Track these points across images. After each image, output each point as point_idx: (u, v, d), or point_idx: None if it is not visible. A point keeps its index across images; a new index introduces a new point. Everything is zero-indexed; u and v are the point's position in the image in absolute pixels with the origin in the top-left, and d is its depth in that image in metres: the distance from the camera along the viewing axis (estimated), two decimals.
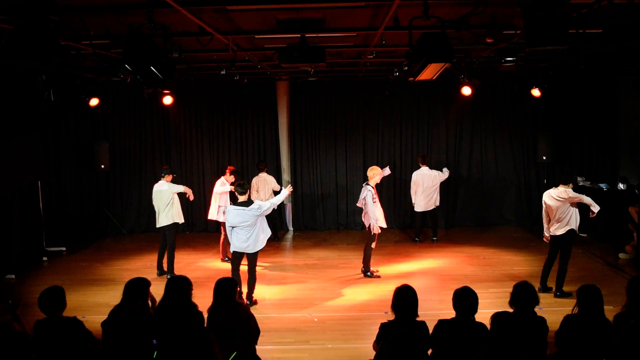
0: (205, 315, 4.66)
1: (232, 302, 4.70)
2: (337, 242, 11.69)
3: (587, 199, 7.57)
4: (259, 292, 8.01)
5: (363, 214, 8.96)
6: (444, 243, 11.25)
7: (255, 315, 4.95)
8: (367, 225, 8.90)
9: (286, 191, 8.06)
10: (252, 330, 4.78)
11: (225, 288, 4.73)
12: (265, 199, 10.35)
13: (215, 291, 4.74)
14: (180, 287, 4.57)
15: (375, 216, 8.71)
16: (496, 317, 3.93)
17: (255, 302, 7.74)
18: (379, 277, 8.98)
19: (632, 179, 10.93)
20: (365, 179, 9.16)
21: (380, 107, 12.70)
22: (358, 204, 9.01)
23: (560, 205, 7.58)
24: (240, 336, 4.55)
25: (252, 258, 7.55)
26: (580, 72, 10.26)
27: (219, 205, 9.97)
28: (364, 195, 8.76)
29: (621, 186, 10.92)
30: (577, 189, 7.85)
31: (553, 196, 7.69)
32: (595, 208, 7.55)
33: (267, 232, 7.69)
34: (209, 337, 3.89)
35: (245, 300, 7.52)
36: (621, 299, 4.59)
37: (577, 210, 7.65)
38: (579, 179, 11.42)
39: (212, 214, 10.15)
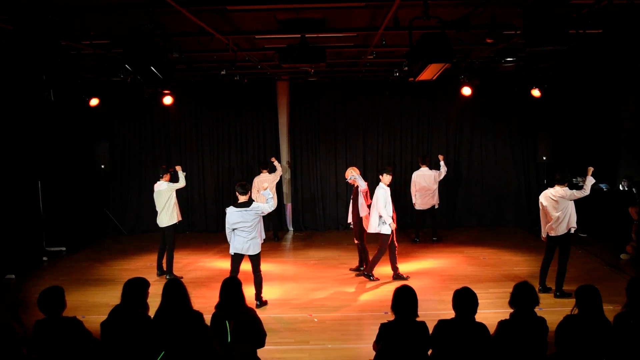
0: (208, 316, 4.63)
1: (237, 303, 4.66)
2: (337, 242, 11.68)
3: (586, 187, 7.55)
4: None
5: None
6: (444, 243, 11.24)
7: None
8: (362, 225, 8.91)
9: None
10: (258, 333, 4.74)
11: (231, 288, 4.70)
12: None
13: (222, 291, 4.70)
14: (177, 291, 4.54)
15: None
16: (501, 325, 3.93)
17: (265, 303, 7.74)
18: (377, 279, 8.94)
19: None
20: (365, 179, 9.15)
21: (380, 107, 12.70)
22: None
23: (558, 205, 7.58)
24: (245, 338, 4.53)
25: (255, 260, 7.53)
26: (580, 72, 10.27)
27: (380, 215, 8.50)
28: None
29: (623, 184, 10.86)
30: (574, 188, 7.86)
31: (550, 197, 7.67)
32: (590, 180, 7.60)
33: (263, 235, 7.72)
34: (209, 335, 3.89)
35: (255, 302, 7.53)
36: (621, 299, 4.58)
37: (574, 208, 7.66)
38: (578, 179, 11.40)
39: (373, 226, 8.60)
